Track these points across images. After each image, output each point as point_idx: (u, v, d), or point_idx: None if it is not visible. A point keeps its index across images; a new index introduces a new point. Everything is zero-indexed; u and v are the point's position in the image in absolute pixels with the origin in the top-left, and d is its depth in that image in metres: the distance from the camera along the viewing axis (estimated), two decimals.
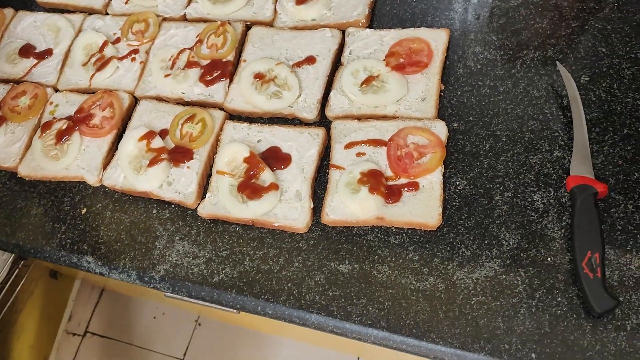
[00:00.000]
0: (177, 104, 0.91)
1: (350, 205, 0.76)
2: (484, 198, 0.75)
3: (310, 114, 0.84)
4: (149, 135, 0.86)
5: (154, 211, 0.85)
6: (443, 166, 0.76)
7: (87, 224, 0.86)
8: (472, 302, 0.69)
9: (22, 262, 1.92)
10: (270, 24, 0.95)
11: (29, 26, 1.06)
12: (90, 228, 0.85)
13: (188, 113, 0.88)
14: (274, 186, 0.79)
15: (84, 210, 0.87)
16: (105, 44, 0.98)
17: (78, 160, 0.89)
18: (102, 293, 2.11)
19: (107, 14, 1.05)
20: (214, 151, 0.86)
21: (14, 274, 1.90)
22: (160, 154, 0.85)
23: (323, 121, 0.86)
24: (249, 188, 0.79)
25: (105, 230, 0.84)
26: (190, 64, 0.93)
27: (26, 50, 1.02)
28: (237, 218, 0.79)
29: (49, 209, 0.89)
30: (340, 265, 0.74)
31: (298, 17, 0.93)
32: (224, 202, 0.80)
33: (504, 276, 0.70)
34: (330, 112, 0.84)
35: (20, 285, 1.91)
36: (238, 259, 0.78)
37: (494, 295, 0.69)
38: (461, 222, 0.74)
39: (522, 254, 0.70)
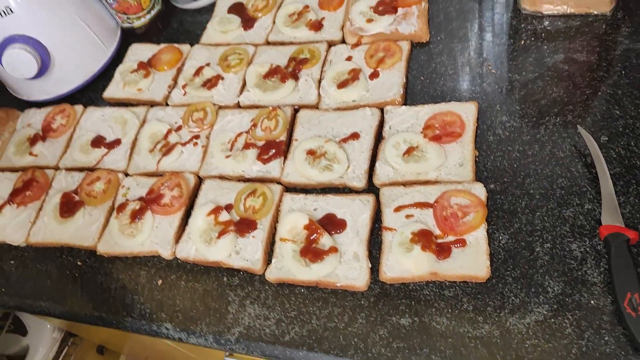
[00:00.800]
0: (239, 181, 1.02)
1: (405, 263, 0.84)
2: (526, 250, 0.83)
3: (360, 183, 0.95)
4: (216, 210, 0.97)
5: (225, 279, 0.93)
6: (486, 223, 0.85)
7: (163, 294, 0.94)
8: (527, 345, 0.75)
9: (71, 340, 2.00)
10: (315, 107, 1.07)
11: (98, 120, 1.20)
12: (167, 298, 0.94)
13: (249, 188, 0.99)
14: (333, 249, 0.88)
15: (159, 282, 0.96)
16: (169, 132, 1.11)
17: (152, 237, 0.99)
18: None
19: (167, 105, 1.18)
20: (275, 220, 0.95)
21: (63, 353, 1.97)
22: (227, 227, 0.95)
23: (371, 188, 0.96)
24: (311, 252, 0.88)
25: (181, 299, 0.93)
26: (247, 145, 1.04)
27: (97, 141, 1.15)
28: (302, 280, 0.88)
29: (127, 282, 0.98)
30: (401, 319, 0.82)
31: (340, 99, 1.06)
32: (289, 267, 0.89)
33: (552, 320, 0.77)
34: (377, 180, 0.94)
35: None
36: (305, 318, 0.86)
37: (545, 338, 0.75)
38: (508, 273, 0.82)
39: (567, 299, 0.78)
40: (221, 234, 0.94)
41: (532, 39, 1.05)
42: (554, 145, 0.92)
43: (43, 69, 1.17)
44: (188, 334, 0.90)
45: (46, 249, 1.07)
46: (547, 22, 1.07)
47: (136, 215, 1.01)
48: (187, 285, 0.94)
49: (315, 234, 0.90)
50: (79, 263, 1.03)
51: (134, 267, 0.99)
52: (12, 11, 1.11)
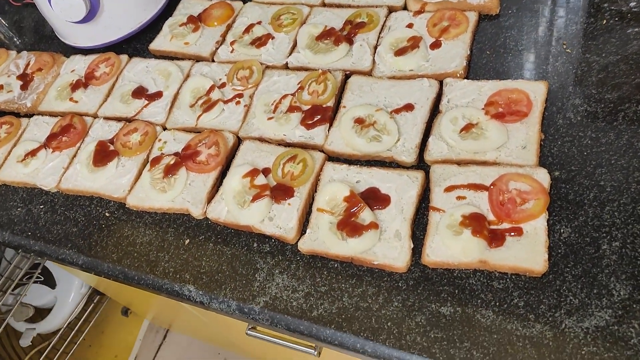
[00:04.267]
0: (279, 144, 0.96)
1: (453, 247, 0.76)
2: (591, 247, 0.74)
3: (409, 158, 0.87)
4: (253, 173, 0.91)
5: (255, 245, 0.88)
6: (547, 213, 0.76)
7: (189, 254, 0.89)
8: (583, 352, 0.67)
9: (97, 298, 2.00)
10: (368, 74, 1.00)
11: (141, 71, 1.15)
12: (193, 258, 0.89)
13: (290, 154, 0.92)
14: (373, 225, 0.81)
15: (187, 241, 0.91)
16: (212, 88, 1.05)
17: (184, 194, 0.94)
18: (167, 335, 2.14)
19: (213, 61, 1.13)
20: (313, 190, 0.89)
21: (89, 310, 1.97)
22: (263, 191, 0.89)
23: (420, 165, 0.88)
24: (349, 226, 0.82)
25: (207, 261, 0.88)
26: (292, 109, 0.98)
27: (138, 92, 1.11)
28: (336, 254, 0.81)
29: (154, 238, 0.93)
30: (442, 307, 0.74)
31: (396, 67, 0.98)
32: (324, 239, 0.82)
33: (616, 327, 0.68)
34: (429, 157, 0.87)
35: (92, 322, 1.98)
36: (337, 295, 0.79)
37: (606, 346, 0.67)
38: (567, 269, 0.73)
39: (634, 305, 0.68)
40: (255, 197, 0.88)
41: (616, 19, 0.94)
42: (632, 134, 0.81)
43: (92, 13, 1.13)
44: (210, 298, 0.84)
45: (76, 196, 1.03)
46: (634, 3, 0.96)
47: (170, 171, 0.96)
48: (215, 248, 0.89)
49: (355, 207, 0.83)
50: (107, 214, 0.99)
51: (162, 224, 0.95)
52: None
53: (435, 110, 0.92)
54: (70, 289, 1.93)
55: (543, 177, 0.79)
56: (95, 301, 1.98)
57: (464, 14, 1.00)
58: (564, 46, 0.94)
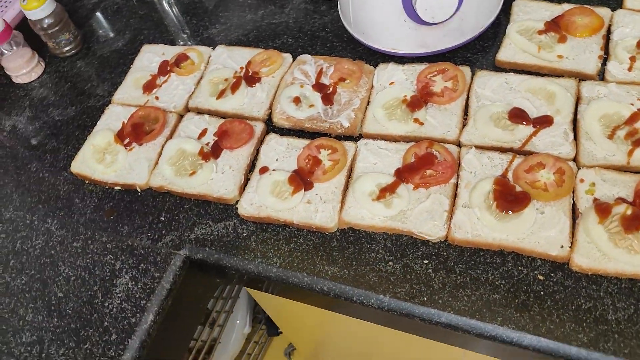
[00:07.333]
0: None
1: None
2: None
3: None
4: None
5: None
6: None
7: None
8: None
9: (262, 338, 1.74)
10: None
11: (500, 87, 0.92)
12: None
13: None
14: None
15: None
16: (635, 116, 0.84)
17: None
18: None
19: (601, 79, 0.91)
20: None
21: (253, 352, 1.71)
22: None
23: None
24: None
25: None
26: None
27: (518, 115, 0.88)
28: None
29: (633, 314, 0.71)
30: None
31: None
32: None
33: None
34: None
35: None
36: None
37: None
38: None
39: None
40: None
41: None
42: None
43: (456, 11, 0.90)
44: None
45: (473, 250, 0.80)
46: None
47: (632, 224, 0.74)
48: None
49: None
50: (540, 277, 0.76)
51: (636, 294, 0.72)
52: None
53: None
54: (232, 329, 1.66)
55: None
56: (258, 342, 1.72)
57: None
58: None
